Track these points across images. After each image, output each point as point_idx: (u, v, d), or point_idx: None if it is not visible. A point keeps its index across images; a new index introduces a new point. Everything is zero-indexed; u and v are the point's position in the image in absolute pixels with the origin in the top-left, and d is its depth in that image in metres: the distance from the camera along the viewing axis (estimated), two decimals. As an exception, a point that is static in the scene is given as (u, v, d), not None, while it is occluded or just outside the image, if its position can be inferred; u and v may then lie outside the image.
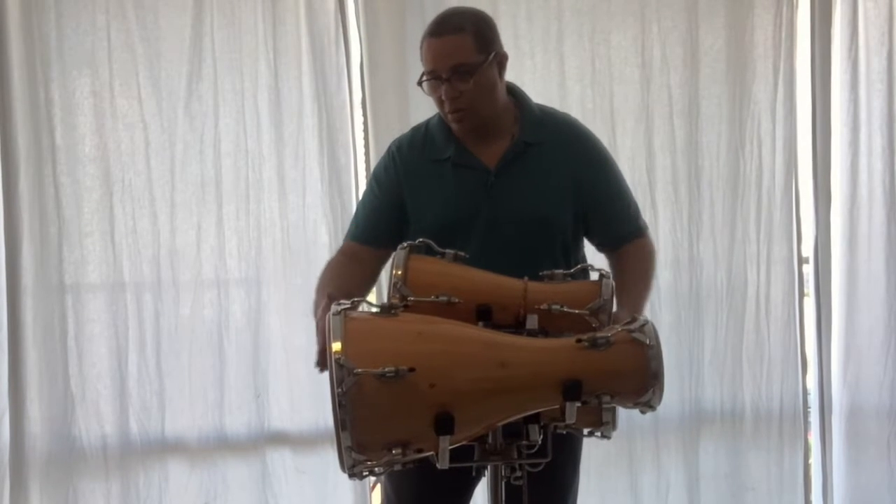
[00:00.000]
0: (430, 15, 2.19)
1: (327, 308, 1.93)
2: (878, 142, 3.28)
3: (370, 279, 2.25)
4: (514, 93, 2.26)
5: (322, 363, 1.98)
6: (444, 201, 2.19)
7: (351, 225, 2.35)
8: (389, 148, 2.31)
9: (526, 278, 1.85)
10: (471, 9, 2.22)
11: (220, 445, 3.19)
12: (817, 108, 3.31)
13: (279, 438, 3.21)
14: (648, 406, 1.64)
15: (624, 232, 2.29)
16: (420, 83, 2.14)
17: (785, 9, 3.25)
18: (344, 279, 2.16)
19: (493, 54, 2.12)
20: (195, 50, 3.12)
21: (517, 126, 2.21)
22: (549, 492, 2.13)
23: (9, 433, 3.09)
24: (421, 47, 2.14)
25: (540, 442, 1.71)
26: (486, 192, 2.17)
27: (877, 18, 3.26)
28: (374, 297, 2.38)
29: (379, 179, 2.29)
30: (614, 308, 1.87)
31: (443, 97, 2.11)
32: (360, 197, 2.43)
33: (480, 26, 2.13)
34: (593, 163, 2.25)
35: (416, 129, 2.31)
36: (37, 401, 3.10)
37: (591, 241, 2.32)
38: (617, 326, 1.67)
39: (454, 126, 2.17)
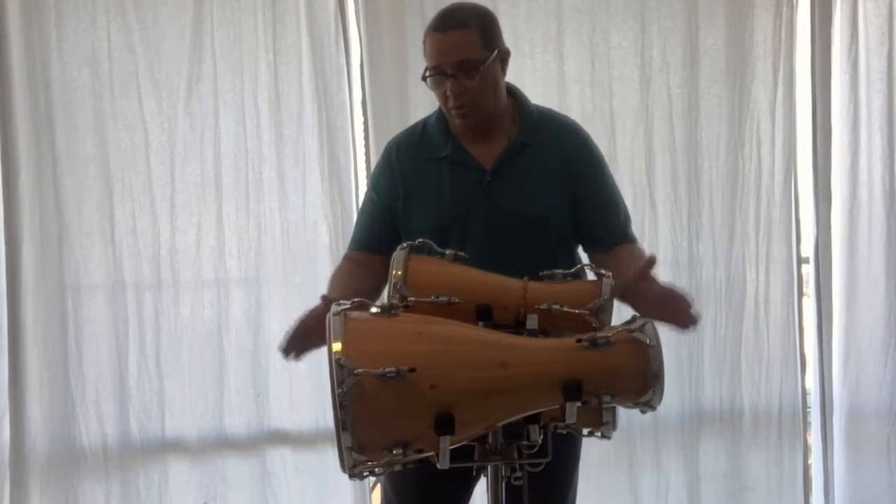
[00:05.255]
0: (430, 15, 2.18)
1: (320, 308, 1.93)
2: (878, 142, 3.28)
3: (378, 284, 2.17)
4: (513, 94, 2.26)
5: (287, 348, 2.00)
6: (439, 199, 2.19)
7: (353, 234, 2.35)
8: (386, 150, 2.30)
9: (526, 278, 1.84)
10: (474, 4, 2.19)
11: (220, 445, 3.19)
12: (817, 108, 3.31)
13: (279, 438, 3.21)
14: (649, 406, 1.64)
15: (611, 238, 2.24)
16: (424, 78, 2.13)
17: (785, 9, 3.24)
18: (350, 283, 2.14)
19: (496, 51, 2.12)
20: (195, 50, 3.12)
21: (515, 127, 2.21)
22: (549, 492, 2.13)
23: (9, 433, 3.10)
24: (424, 42, 2.13)
25: (540, 442, 1.71)
26: (482, 192, 2.17)
27: (877, 18, 3.26)
28: (375, 298, 2.36)
29: (377, 186, 2.29)
30: (613, 308, 1.86)
31: (447, 92, 2.10)
32: (361, 202, 2.42)
33: (485, 22, 2.13)
34: (587, 165, 2.24)
35: (412, 128, 2.30)
36: (37, 401, 3.11)
37: (582, 247, 2.28)
38: (617, 326, 1.67)
39: (457, 122, 2.16)
